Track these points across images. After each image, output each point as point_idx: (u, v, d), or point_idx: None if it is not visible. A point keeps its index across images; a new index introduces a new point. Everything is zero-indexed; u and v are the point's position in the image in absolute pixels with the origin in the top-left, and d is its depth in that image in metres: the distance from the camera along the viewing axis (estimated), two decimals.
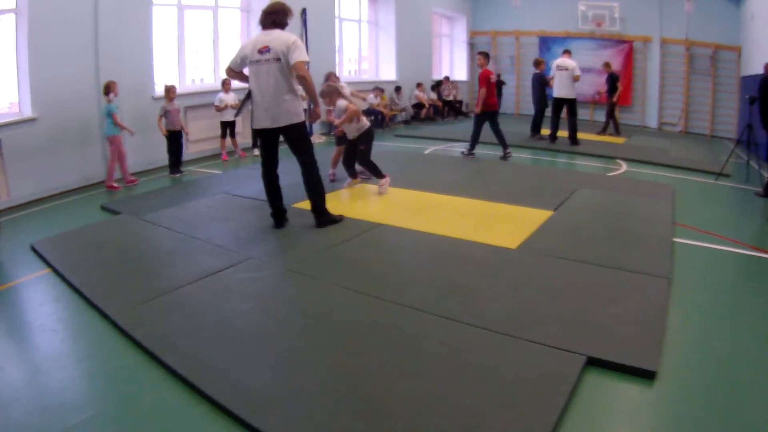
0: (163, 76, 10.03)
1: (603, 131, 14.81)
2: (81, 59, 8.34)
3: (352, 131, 7.56)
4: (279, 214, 6.10)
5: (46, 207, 7.55)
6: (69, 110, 8.17)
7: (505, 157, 10.58)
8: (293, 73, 5.65)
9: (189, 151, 10.49)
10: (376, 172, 7.63)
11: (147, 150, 9.39)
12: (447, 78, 19.10)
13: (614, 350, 3.42)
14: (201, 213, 6.64)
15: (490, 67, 11.14)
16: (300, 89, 5.81)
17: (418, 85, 17.40)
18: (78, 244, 5.72)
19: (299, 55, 5.55)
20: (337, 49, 14.81)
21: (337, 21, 14.71)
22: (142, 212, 6.68)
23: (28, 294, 4.66)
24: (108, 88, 8.19)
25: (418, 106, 17.39)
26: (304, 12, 12.85)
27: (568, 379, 3.12)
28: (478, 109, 10.49)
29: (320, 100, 6.26)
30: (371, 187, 7.79)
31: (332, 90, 7.42)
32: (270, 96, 5.66)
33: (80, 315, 4.20)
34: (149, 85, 9.55)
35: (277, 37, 5.65)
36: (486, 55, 10.65)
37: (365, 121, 7.73)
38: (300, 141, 5.94)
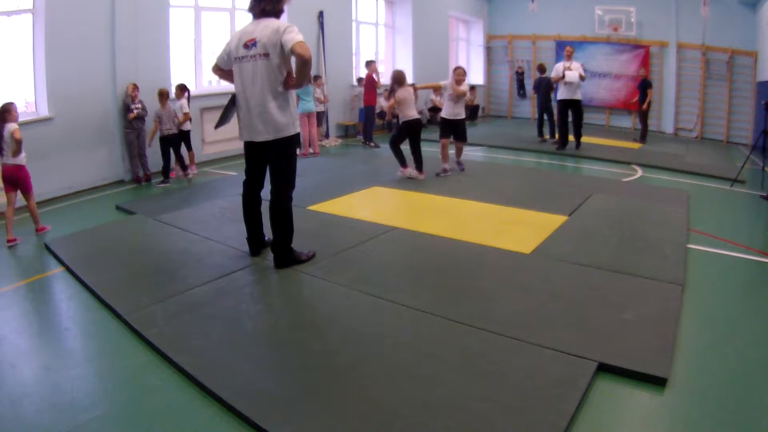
0: (180, 77, 10.07)
1: (643, 139, 14.48)
2: (97, 59, 8.43)
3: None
4: (255, 241, 5.21)
5: (61, 206, 7.63)
6: (85, 110, 8.28)
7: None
8: (284, 70, 4.61)
9: (205, 152, 10.60)
10: (399, 159, 8.59)
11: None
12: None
13: (626, 356, 3.40)
14: (215, 214, 6.67)
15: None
16: (292, 96, 4.81)
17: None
18: (92, 244, 5.75)
19: (294, 36, 4.42)
20: (354, 52, 14.88)
21: (354, 24, 14.75)
22: (156, 213, 6.73)
23: (41, 292, 4.71)
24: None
25: (434, 109, 17.36)
26: (321, 15, 12.90)
27: (578, 384, 3.09)
28: (362, 104, 13.26)
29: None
30: (386, 191, 7.78)
31: (401, 76, 8.63)
32: (254, 102, 4.64)
33: (93, 314, 4.24)
34: (165, 86, 9.56)
35: (266, 26, 4.53)
36: (370, 63, 13.10)
37: (413, 113, 8.52)
38: (282, 159, 4.80)
